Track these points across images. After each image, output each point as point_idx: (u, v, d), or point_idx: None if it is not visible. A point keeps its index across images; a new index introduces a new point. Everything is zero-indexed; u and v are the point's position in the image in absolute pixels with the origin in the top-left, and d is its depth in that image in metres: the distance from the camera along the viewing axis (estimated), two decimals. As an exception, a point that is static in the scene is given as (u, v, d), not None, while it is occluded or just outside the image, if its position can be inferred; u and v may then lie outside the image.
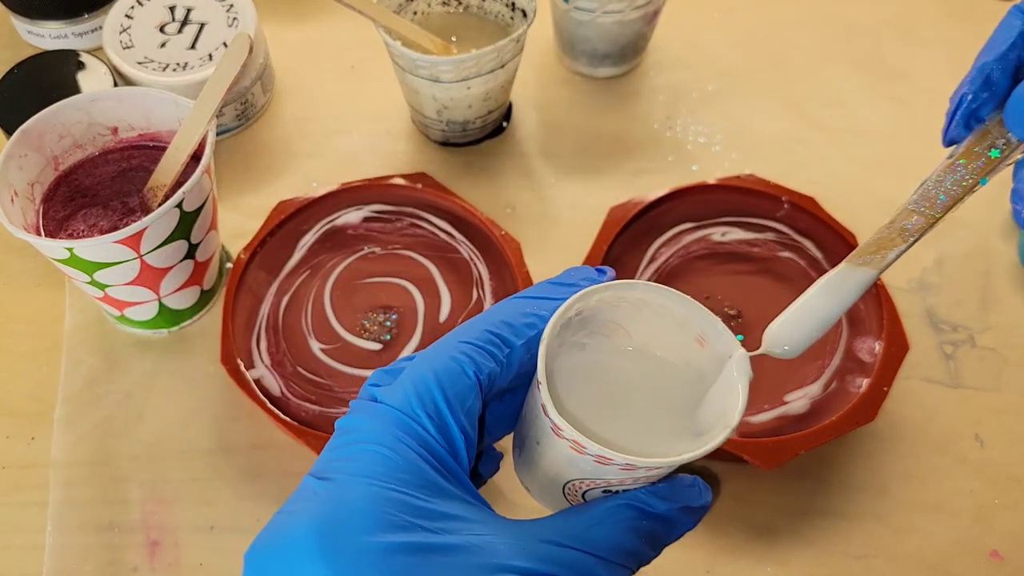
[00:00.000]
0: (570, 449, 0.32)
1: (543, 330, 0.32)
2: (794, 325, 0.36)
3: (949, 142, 0.35)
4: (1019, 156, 0.34)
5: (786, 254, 0.54)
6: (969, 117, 0.34)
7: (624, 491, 0.33)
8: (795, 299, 0.35)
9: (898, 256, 0.36)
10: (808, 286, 0.52)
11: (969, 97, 0.34)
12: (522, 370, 0.33)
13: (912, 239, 0.36)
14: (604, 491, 0.34)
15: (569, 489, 0.34)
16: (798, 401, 0.48)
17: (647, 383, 0.36)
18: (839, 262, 0.53)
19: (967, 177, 0.34)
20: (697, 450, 0.32)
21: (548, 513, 0.33)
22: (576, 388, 0.35)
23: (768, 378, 0.50)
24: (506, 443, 0.37)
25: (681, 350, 0.36)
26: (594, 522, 0.32)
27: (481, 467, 0.37)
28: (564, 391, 0.34)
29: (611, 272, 0.37)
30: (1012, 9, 0.33)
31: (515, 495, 0.46)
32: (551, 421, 0.31)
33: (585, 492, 0.34)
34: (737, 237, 0.54)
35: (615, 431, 0.34)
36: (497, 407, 0.36)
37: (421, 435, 0.31)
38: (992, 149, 0.34)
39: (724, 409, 0.33)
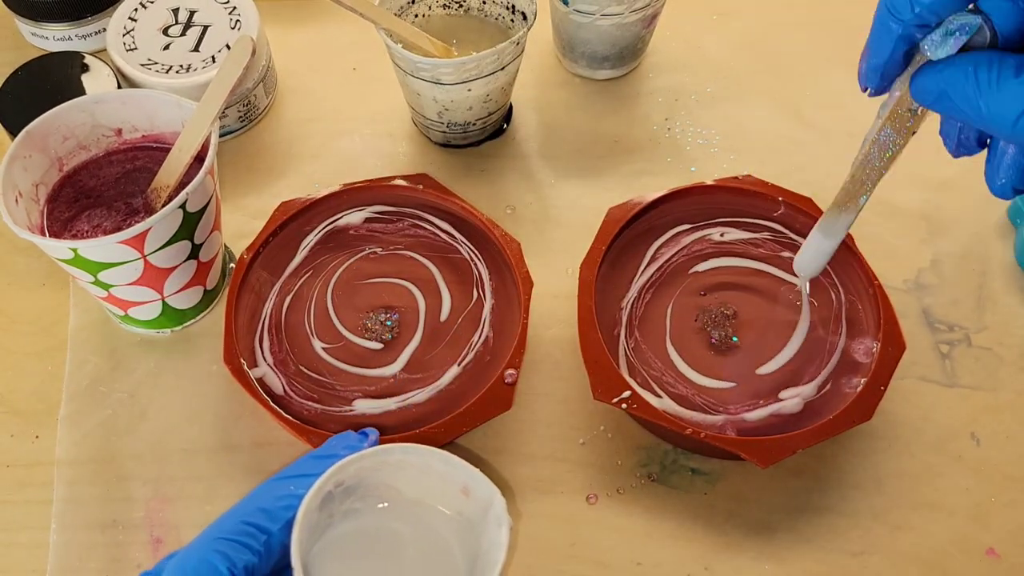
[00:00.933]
0: None
1: None
2: (806, 259, 0.45)
3: (875, 92, 0.38)
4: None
5: (784, 254, 0.54)
6: (882, 76, 0.37)
7: None
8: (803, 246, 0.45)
9: (866, 201, 0.42)
10: (806, 286, 0.52)
11: (869, 91, 0.37)
12: (288, 551, 0.34)
13: (872, 187, 0.42)
14: None
15: None
16: (792, 400, 0.49)
17: (421, 540, 0.38)
18: (837, 262, 0.53)
19: (900, 134, 0.39)
20: None
21: None
22: (349, 557, 0.37)
23: (764, 375, 0.50)
24: None
25: (451, 501, 0.38)
26: None
27: None
28: (335, 562, 0.36)
29: (374, 435, 0.39)
30: (881, 7, 0.34)
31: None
32: None
33: None
34: (735, 237, 0.55)
35: None
36: None
37: None
38: (911, 110, 0.37)
39: (490, 559, 0.35)
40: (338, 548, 0.37)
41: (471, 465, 0.38)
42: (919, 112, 0.37)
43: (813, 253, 0.45)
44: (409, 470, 0.38)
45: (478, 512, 0.38)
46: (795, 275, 0.47)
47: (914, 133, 0.38)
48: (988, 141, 0.37)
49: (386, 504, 0.39)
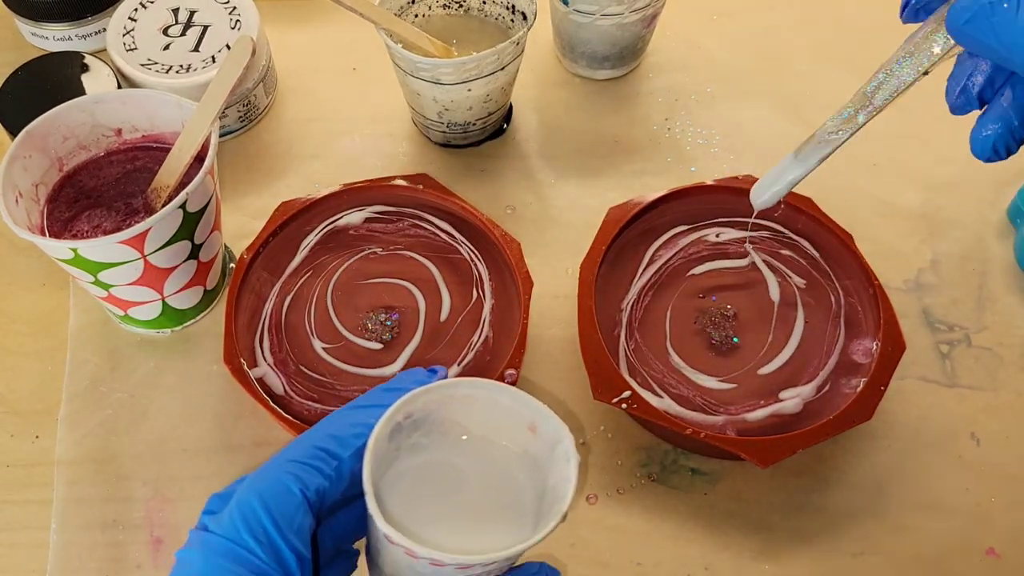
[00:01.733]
0: (405, 555, 0.32)
1: None
2: (766, 181, 0.43)
3: (906, 21, 0.38)
4: (958, 51, 0.37)
5: (784, 253, 0.54)
6: (919, 11, 0.37)
7: None
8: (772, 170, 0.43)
9: (849, 136, 0.41)
10: (804, 283, 0.52)
11: (903, 14, 0.38)
12: (357, 479, 0.34)
13: (864, 122, 0.40)
14: None
15: None
16: (791, 400, 0.49)
17: (487, 474, 0.38)
18: (837, 262, 0.53)
19: (913, 71, 0.38)
20: (530, 540, 0.33)
21: None
22: (415, 491, 0.36)
23: (764, 375, 0.50)
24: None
25: (517, 438, 0.37)
26: None
27: (335, 569, 0.37)
28: (402, 496, 0.36)
29: (443, 371, 0.38)
30: None
31: None
32: (381, 530, 0.32)
33: None
34: (735, 237, 0.55)
35: (457, 529, 0.35)
36: (348, 512, 0.36)
37: (252, 562, 0.31)
38: (935, 44, 0.37)
39: (558, 494, 0.35)
40: (406, 480, 0.37)
41: (539, 401, 0.37)
42: (939, 53, 0.37)
43: (776, 175, 0.43)
44: (475, 405, 0.37)
45: (544, 449, 0.37)
46: (753, 202, 0.45)
47: (926, 74, 0.38)
48: (989, 97, 0.36)
49: (452, 439, 0.38)
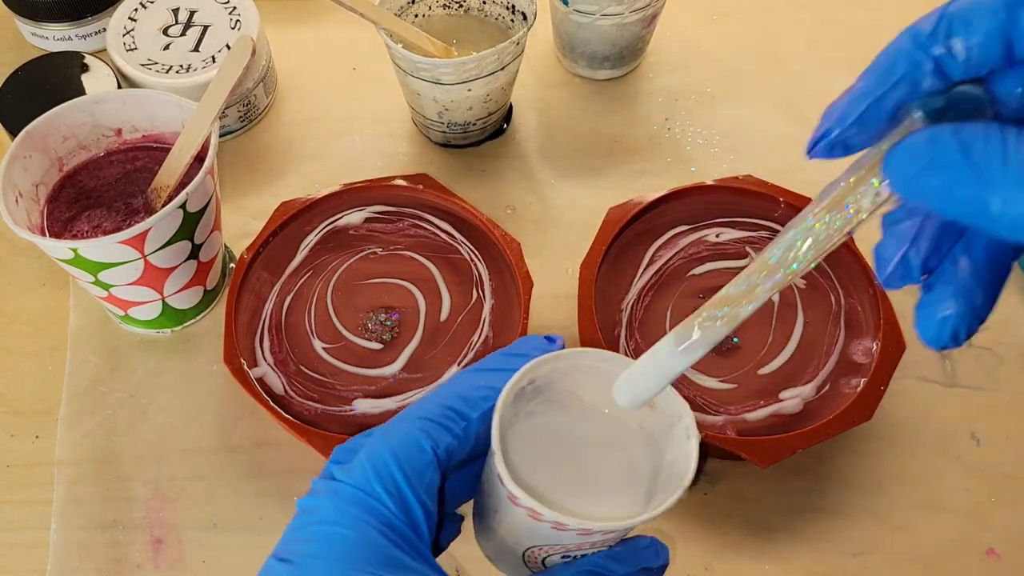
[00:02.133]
0: (527, 517, 0.32)
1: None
2: (635, 375, 0.34)
3: (814, 157, 0.29)
4: (886, 209, 0.28)
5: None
6: (835, 147, 0.28)
7: (583, 556, 0.34)
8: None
9: (750, 315, 0.31)
10: (804, 283, 0.52)
11: (835, 132, 0.28)
12: (480, 441, 0.34)
13: (766, 297, 0.31)
14: (563, 556, 0.34)
15: (529, 556, 0.35)
16: (791, 400, 0.49)
17: (602, 445, 0.37)
18: (836, 261, 0.53)
19: (839, 228, 0.29)
20: (651, 512, 0.32)
21: None
22: (532, 456, 0.36)
23: (764, 375, 0.50)
24: (467, 508, 0.38)
25: (634, 412, 0.36)
26: None
27: (443, 534, 0.37)
28: (520, 459, 0.35)
29: (561, 340, 0.38)
30: (909, 32, 0.27)
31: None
32: (507, 490, 0.32)
33: (544, 559, 0.35)
34: (734, 237, 0.55)
35: (572, 496, 0.35)
36: (457, 476, 0.36)
37: (381, 512, 0.31)
38: (863, 198, 0.28)
39: (676, 470, 0.35)
40: (524, 443, 0.36)
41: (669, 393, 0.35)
42: (869, 208, 0.27)
43: (652, 372, 0.33)
44: (597, 378, 0.36)
45: (662, 426, 0.37)
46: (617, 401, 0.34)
47: (845, 239, 0.29)
48: (934, 265, 0.29)
49: (569, 409, 0.38)
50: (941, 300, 0.28)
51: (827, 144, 0.28)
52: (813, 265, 0.30)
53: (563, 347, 0.37)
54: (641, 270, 0.54)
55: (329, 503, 0.31)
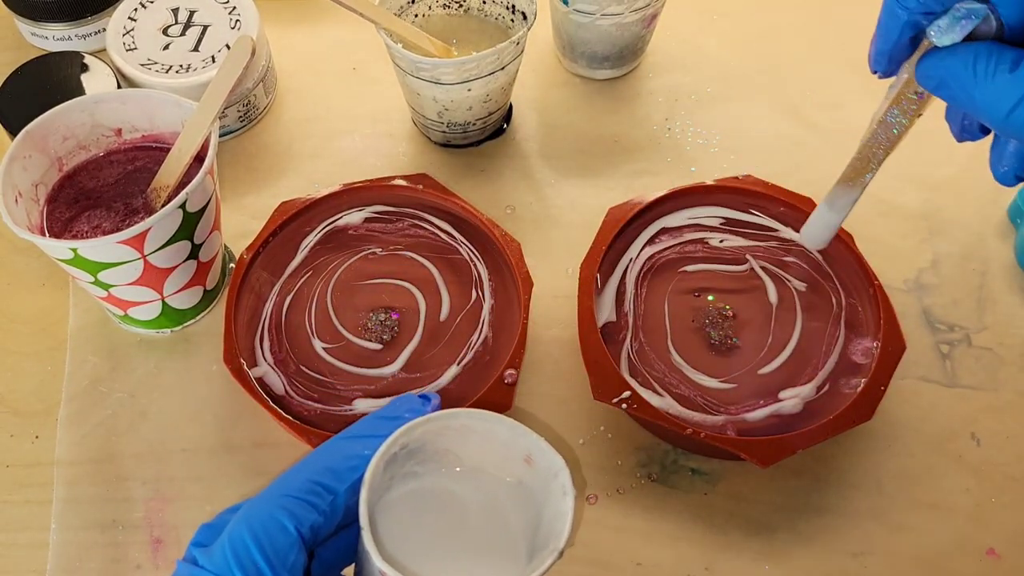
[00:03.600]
0: None
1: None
2: (813, 231, 0.46)
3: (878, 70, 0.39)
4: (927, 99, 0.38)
5: (787, 260, 0.54)
6: (886, 75, 0.38)
7: None
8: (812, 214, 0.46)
9: (871, 178, 0.43)
10: (805, 286, 0.52)
11: (878, 73, 0.38)
12: (350, 513, 0.34)
13: (878, 165, 0.42)
14: None
15: None
16: (791, 400, 0.49)
17: (480, 506, 0.37)
18: (836, 261, 0.53)
19: (906, 115, 0.39)
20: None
21: None
22: (408, 523, 0.36)
23: (764, 375, 0.50)
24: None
25: (512, 469, 0.37)
26: None
27: None
28: (395, 528, 0.35)
29: (436, 400, 0.38)
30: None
31: None
32: (378, 567, 0.32)
33: None
34: (737, 245, 0.55)
35: (450, 562, 0.35)
36: (335, 543, 0.36)
37: None
38: (916, 93, 0.38)
39: (555, 528, 0.35)
40: (399, 509, 0.36)
41: (536, 434, 0.37)
42: (924, 96, 0.38)
43: (820, 226, 0.46)
44: (472, 436, 0.37)
45: (540, 482, 0.37)
46: (803, 247, 0.49)
47: (920, 115, 0.39)
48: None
49: (446, 469, 0.38)
50: (999, 157, 0.37)
51: (881, 75, 0.39)
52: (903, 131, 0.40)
53: (438, 406, 0.38)
54: (639, 249, 0.54)
55: None
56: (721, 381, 0.50)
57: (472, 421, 0.37)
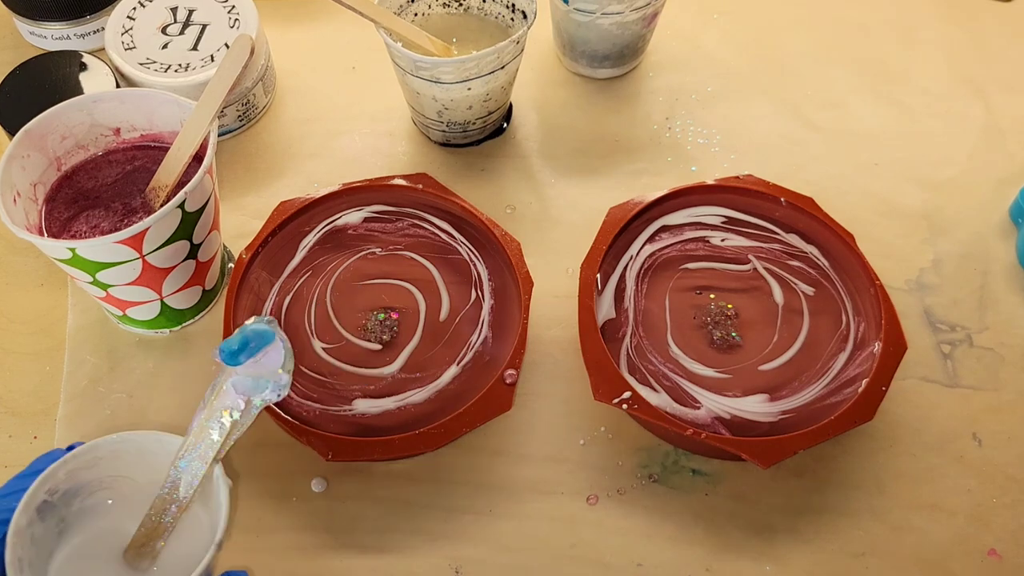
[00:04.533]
0: None
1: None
2: None
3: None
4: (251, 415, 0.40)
5: (792, 264, 0.54)
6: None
7: None
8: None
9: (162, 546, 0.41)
10: (804, 286, 0.52)
11: None
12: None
13: (170, 529, 0.40)
14: None
15: None
16: (791, 400, 0.49)
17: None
18: (837, 261, 0.53)
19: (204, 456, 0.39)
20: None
21: None
22: (97, 558, 0.39)
23: (764, 371, 0.50)
24: None
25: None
26: None
27: None
28: (76, 564, 0.38)
29: (78, 446, 0.39)
30: None
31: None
32: None
33: None
34: (739, 244, 0.54)
35: None
36: None
37: None
38: (212, 431, 0.39)
39: (218, 518, 0.38)
40: (83, 550, 0.39)
41: (177, 436, 0.40)
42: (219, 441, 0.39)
43: None
44: (128, 457, 0.40)
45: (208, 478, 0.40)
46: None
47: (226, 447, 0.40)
48: None
49: (120, 493, 0.40)
50: None
51: None
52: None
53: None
54: (639, 247, 0.53)
55: None
56: (718, 371, 0.50)
57: (118, 444, 0.39)
